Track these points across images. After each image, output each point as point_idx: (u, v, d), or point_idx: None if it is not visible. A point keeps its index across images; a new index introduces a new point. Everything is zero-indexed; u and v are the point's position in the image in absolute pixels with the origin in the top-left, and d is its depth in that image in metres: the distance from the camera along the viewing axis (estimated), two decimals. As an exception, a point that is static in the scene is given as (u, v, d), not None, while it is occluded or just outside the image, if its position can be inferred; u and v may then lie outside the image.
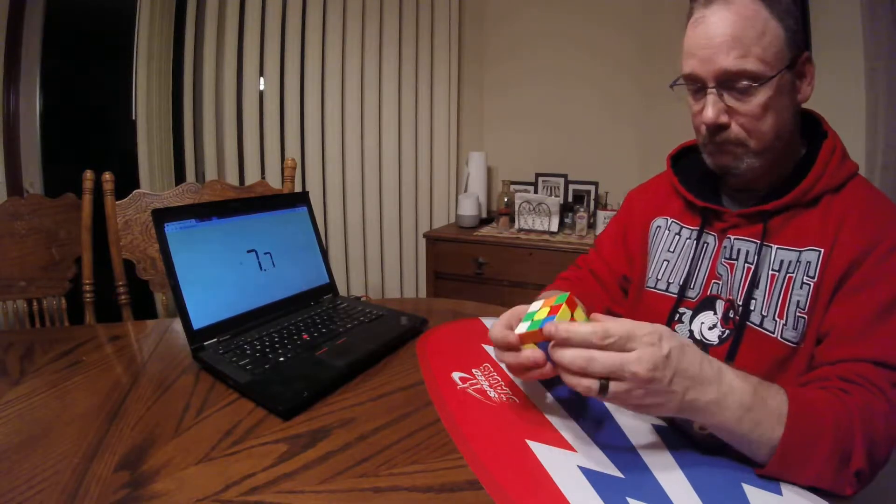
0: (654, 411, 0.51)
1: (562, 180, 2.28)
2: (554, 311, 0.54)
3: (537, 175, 2.33)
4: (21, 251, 1.29)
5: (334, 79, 2.20)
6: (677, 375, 0.47)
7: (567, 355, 0.48)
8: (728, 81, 0.62)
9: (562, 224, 2.10)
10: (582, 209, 2.05)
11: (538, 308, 0.58)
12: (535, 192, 2.32)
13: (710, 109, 0.63)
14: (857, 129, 1.64)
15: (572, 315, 0.54)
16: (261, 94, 2.15)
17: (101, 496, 0.46)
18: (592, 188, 2.23)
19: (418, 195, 2.42)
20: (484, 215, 2.35)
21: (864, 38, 1.61)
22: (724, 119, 0.64)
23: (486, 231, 2.12)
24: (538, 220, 2.08)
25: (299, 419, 0.60)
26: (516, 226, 2.12)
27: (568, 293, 0.55)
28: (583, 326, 0.48)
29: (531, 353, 0.56)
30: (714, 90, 0.63)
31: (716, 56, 0.61)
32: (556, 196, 2.20)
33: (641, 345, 0.46)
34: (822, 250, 0.62)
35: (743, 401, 0.48)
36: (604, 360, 0.46)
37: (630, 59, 2.14)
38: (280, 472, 0.50)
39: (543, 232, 2.07)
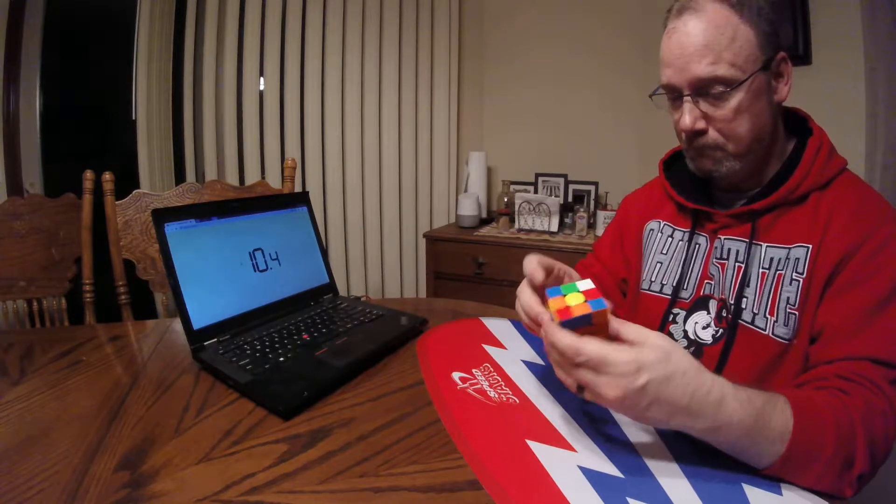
0: (640, 422, 0.51)
1: (562, 180, 2.28)
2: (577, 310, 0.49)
3: (537, 175, 2.33)
4: (21, 251, 1.29)
5: (334, 79, 2.20)
6: (656, 404, 0.45)
7: (553, 354, 0.50)
8: (702, 88, 0.64)
9: (562, 224, 2.09)
10: (582, 209, 2.05)
11: (583, 289, 0.51)
12: (535, 192, 2.31)
13: (687, 117, 0.65)
14: (857, 129, 1.64)
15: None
16: (261, 94, 2.15)
17: (101, 496, 0.46)
18: (592, 188, 2.23)
19: (418, 195, 2.42)
20: (484, 215, 2.35)
21: (864, 38, 1.61)
22: (700, 125, 0.66)
23: (486, 231, 2.12)
24: (538, 220, 2.08)
25: (299, 419, 0.60)
26: (516, 226, 2.12)
27: (610, 305, 0.50)
28: (565, 338, 0.47)
29: (542, 312, 0.55)
30: (689, 97, 0.65)
31: (689, 64, 0.63)
32: (556, 196, 2.20)
33: (614, 374, 0.45)
34: (811, 246, 0.62)
35: (742, 427, 0.46)
36: (579, 375, 0.47)
37: (630, 59, 2.14)
38: (280, 472, 0.50)
39: (543, 232, 2.07)
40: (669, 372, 0.45)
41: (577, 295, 0.50)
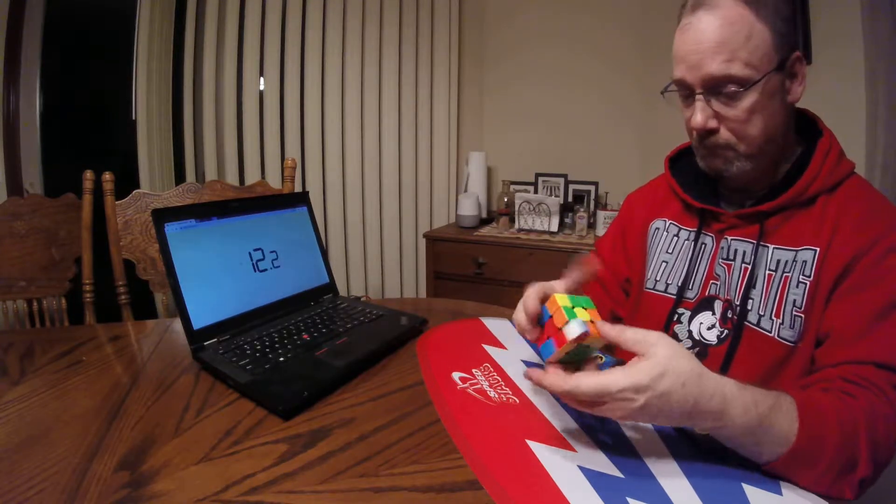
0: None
1: (562, 180, 2.28)
2: (560, 342, 0.52)
3: (537, 175, 2.33)
4: (21, 251, 1.29)
5: (334, 79, 2.20)
6: (659, 416, 0.46)
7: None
8: (715, 87, 0.63)
9: (562, 224, 2.09)
10: (582, 209, 2.05)
11: (573, 307, 0.54)
12: (535, 192, 2.32)
13: (699, 115, 0.64)
14: (857, 129, 1.64)
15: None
16: (261, 94, 2.15)
17: (101, 496, 0.46)
18: (592, 188, 2.23)
19: (418, 195, 2.42)
20: (484, 215, 2.35)
21: (864, 38, 1.61)
22: (712, 124, 0.65)
23: (486, 231, 2.12)
24: (538, 220, 2.08)
25: (299, 419, 0.60)
26: (516, 226, 2.12)
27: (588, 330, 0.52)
28: (557, 380, 0.48)
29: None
30: (702, 96, 0.64)
31: (702, 62, 0.62)
32: (556, 196, 2.20)
33: (613, 400, 0.46)
34: (818, 249, 0.62)
35: (747, 429, 0.47)
36: (582, 404, 0.49)
37: (630, 59, 2.14)
38: (280, 472, 0.50)
39: (543, 232, 2.07)
40: (666, 388, 0.45)
41: (580, 311, 0.53)
